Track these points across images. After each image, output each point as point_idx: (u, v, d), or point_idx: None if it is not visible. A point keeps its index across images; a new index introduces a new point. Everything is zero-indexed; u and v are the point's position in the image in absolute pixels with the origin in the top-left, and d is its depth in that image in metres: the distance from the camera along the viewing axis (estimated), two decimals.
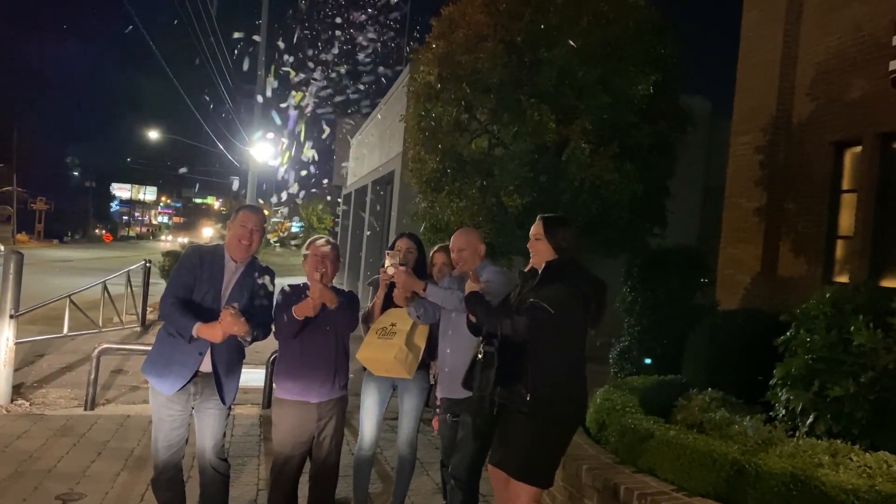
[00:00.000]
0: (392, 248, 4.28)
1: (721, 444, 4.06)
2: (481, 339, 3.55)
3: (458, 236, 4.19)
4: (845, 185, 7.65)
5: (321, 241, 3.91)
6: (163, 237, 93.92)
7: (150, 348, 3.78)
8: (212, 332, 3.41)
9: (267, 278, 3.78)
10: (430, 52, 9.08)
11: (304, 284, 3.80)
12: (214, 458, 3.74)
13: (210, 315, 3.49)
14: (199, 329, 3.41)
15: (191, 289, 3.59)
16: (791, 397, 4.54)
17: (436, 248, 4.60)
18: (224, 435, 3.82)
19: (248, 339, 3.54)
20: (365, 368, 4.24)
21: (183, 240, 72.45)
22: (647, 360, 8.17)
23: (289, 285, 3.88)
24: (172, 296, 3.54)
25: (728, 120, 9.44)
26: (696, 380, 5.93)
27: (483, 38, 8.54)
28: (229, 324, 3.37)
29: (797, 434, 4.43)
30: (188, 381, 3.58)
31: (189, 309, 3.50)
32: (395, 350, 3.88)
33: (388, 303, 4.16)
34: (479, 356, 3.50)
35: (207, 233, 79.67)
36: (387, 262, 3.91)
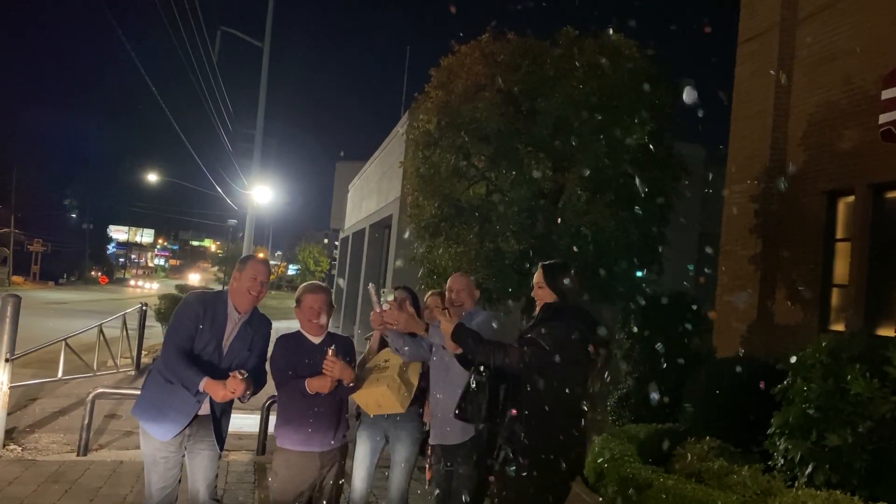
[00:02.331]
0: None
1: (720, 494, 4.04)
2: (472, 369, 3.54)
3: (456, 278, 4.27)
4: (839, 233, 7.73)
5: (310, 294, 3.80)
6: (132, 282, 76.43)
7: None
8: (215, 391, 3.43)
9: (266, 331, 3.80)
10: (429, 101, 9.27)
11: (298, 333, 3.79)
12: (208, 498, 3.71)
13: (210, 364, 3.51)
14: (206, 384, 3.42)
15: (193, 338, 3.57)
16: (789, 447, 4.53)
17: (430, 293, 4.65)
18: (216, 475, 3.79)
19: (247, 397, 3.56)
20: (358, 416, 4.22)
21: (151, 285, 65.64)
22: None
23: (284, 336, 3.84)
24: (175, 346, 3.52)
25: (722, 166, 9.57)
26: (693, 427, 5.91)
27: (481, 88, 8.73)
28: (236, 388, 3.40)
29: (796, 484, 4.41)
30: (185, 426, 3.57)
31: (194, 361, 3.50)
32: (388, 381, 3.85)
33: (383, 346, 4.19)
34: (472, 386, 3.50)
35: (194, 278, 76.21)
36: (388, 298, 3.94)
